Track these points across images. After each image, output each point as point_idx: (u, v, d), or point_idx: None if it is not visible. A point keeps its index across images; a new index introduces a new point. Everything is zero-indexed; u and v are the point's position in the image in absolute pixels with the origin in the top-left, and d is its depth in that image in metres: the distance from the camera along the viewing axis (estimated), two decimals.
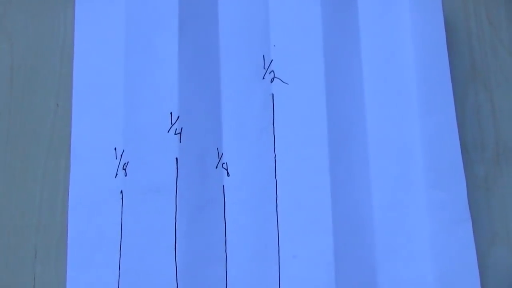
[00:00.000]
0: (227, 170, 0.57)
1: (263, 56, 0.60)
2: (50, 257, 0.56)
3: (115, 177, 0.56)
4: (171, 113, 0.56)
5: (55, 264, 0.56)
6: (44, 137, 0.58)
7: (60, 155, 0.58)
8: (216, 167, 0.57)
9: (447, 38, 0.60)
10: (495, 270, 0.58)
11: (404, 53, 0.62)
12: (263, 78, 0.60)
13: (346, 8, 0.63)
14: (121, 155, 0.56)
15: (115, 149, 0.57)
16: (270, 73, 0.60)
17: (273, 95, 0.59)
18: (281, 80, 0.59)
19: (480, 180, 0.61)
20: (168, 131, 0.56)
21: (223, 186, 0.57)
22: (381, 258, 0.57)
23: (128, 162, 0.56)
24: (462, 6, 0.65)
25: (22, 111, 0.59)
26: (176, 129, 0.56)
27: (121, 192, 0.56)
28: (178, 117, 0.56)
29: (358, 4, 0.63)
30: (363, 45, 0.62)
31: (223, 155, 0.58)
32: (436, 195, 0.58)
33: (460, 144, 0.58)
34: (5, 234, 0.56)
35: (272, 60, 0.60)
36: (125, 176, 0.56)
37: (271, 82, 0.60)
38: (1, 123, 0.58)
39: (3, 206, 0.57)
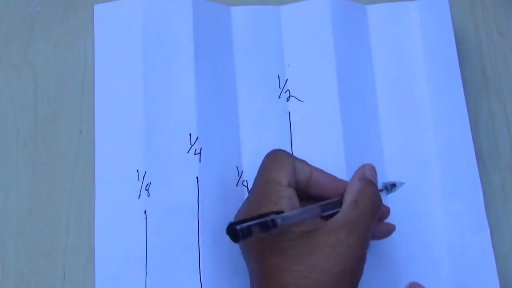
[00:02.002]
0: (247, 187, 0.59)
1: (278, 76, 0.62)
2: (78, 277, 0.57)
3: (139, 198, 0.57)
4: (190, 134, 0.57)
5: (83, 284, 0.57)
6: (69, 163, 0.60)
7: (85, 179, 0.59)
8: (237, 185, 0.58)
9: (458, 50, 0.61)
10: None
11: (415, 67, 0.63)
12: (279, 97, 0.61)
13: (357, 26, 0.64)
14: (144, 177, 0.58)
15: (138, 171, 0.58)
16: (285, 92, 0.61)
17: (289, 113, 0.60)
18: (297, 98, 0.61)
19: (496, 188, 0.61)
20: (188, 152, 0.57)
21: None
22: (401, 268, 0.57)
23: (150, 183, 0.57)
24: (472, 18, 0.66)
25: (47, 139, 0.60)
26: (195, 149, 0.57)
27: (145, 212, 0.57)
28: (197, 137, 0.57)
29: (369, 22, 0.65)
30: (375, 61, 0.63)
31: (243, 172, 0.59)
32: (453, 204, 0.59)
33: (476, 153, 0.58)
34: (35, 256, 0.57)
35: (287, 80, 0.61)
36: (148, 196, 0.57)
37: (287, 100, 0.61)
38: (27, 151, 0.60)
39: (31, 230, 0.58)
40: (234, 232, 0.41)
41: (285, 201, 0.47)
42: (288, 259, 0.46)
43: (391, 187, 0.54)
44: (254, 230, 0.42)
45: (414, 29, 0.64)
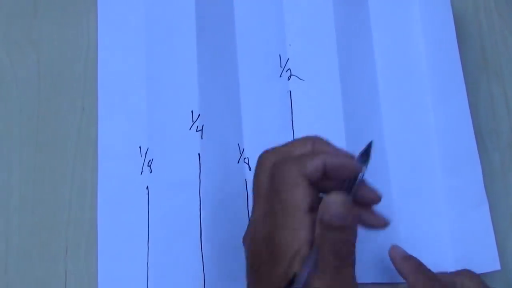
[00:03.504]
0: (248, 164, 0.59)
1: (280, 55, 0.62)
2: (80, 252, 0.58)
3: (141, 174, 0.58)
4: (192, 111, 0.58)
5: (85, 259, 0.57)
6: (71, 139, 0.60)
7: (87, 155, 0.60)
8: (238, 162, 0.59)
9: (457, 31, 0.61)
10: None
11: (415, 46, 0.64)
12: (280, 76, 0.62)
13: (358, 6, 0.64)
14: (146, 153, 0.58)
15: (140, 147, 0.59)
16: (287, 71, 0.62)
17: (290, 92, 0.61)
18: (298, 77, 0.61)
19: (496, 166, 0.62)
20: (190, 129, 0.57)
21: (245, 180, 0.59)
22: (402, 244, 0.57)
23: (152, 159, 0.58)
24: None
25: (50, 115, 0.61)
26: (197, 126, 0.57)
27: (147, 188, 0.57)
28: (199, 115, 0.57)
29: (369, 1, 0.65)
30: (375, 40, 0.64)
31: (244, 150, 0.59)
32: (452, 181, 0.59)
33: (475, 132, 0.59)
34: (37, 231, 0.58)
35: (288, 59, 0.62)
36: (150, 172, 0.58)
37: (288, 79, 0.61)
38: (30, 127, 0.61)
39: (34, 205, 0.59)
40: None
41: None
42: None
43: (366, 156, 0.46)
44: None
45: (413, 9, 0.65)
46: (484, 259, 0.57)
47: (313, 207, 0.42)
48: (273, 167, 0.44)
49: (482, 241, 0.57)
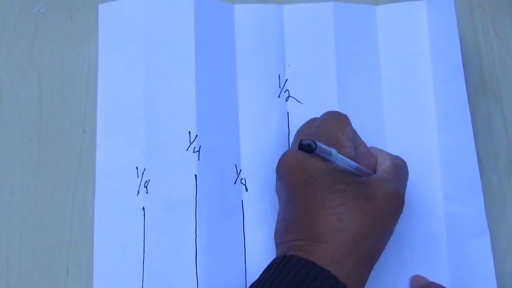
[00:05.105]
0: (245, 185, 0.59)
1: (279, 75, 0.63)
2: (81, 274, 0.58)
3: (137, 194, 0.58)
4: (189, 132, 0.58)
5: (86, 281, 0.58)
6: (72, 160, 0.61)
7: (88, 177, 0.60)
8: (235, 183, 0.59)
9: None
10: None
11: (422, 68, 0.63)
12: (279, 97, 0.62)
13: (363, 28, 0.65)
14: (143, 174, 0.58)
15: (137, 168, 0.59)
16: (285, 92, 0.62)
17: (288, 113, 0.61)
18: (296, 100, 0.61)
19: (494, 188, 0.61)
20: (187, 150, 0.58)
21: (242, 201, 0.59)
22: (402, 269, 0.58)
23: (149, 180, 0.58)
24: (470, 20, 0.67)
25: (51, 138, 0.61)
26: (194, 147, 0.58)
27: (143, 208, 0.58)
28: (197, 135, 0.58)
29: (377, 22, 0.65)
30: (382, 61, 0.64)
31: (241, 171, 0.60)
32: (454, 206, 0.59)
33: None
34: (39, 253, 0.58)
35: (287, 80, 0.62)
36: (147, 193, 0.58)
37: (286, 100, 0.62)
38: (32, 149, 0.61)
39: (35, 227, 0.59)
40: (308, 146, 0.41)
41: (347, 150, 0.51)
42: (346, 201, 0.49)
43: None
44: (318, 151, 0.41)
45: (422, 29, 0.65)
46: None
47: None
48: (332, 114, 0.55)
49: (480, 270, 0.57)
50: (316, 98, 0.62)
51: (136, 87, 0.61)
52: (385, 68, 0.64)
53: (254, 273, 0.56)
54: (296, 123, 0.60)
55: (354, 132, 0.55)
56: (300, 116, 0.61)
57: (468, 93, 0.60)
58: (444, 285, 0.56)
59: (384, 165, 0.54)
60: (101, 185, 0.59)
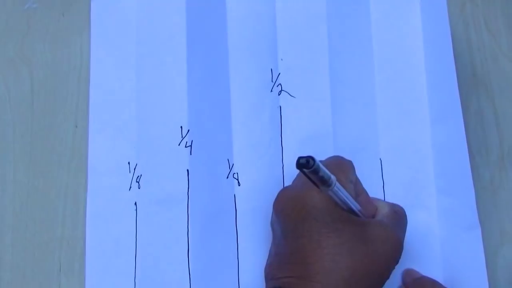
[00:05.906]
0: (238, 180, 0.59)
1: (271, 69, 0.62)
2: (74, 269, 0.58)
3: (129, 189, 0.58)
4: (181, 127, 0.58)
5: (78, 276, 0.58)
6: (64, 156, 0.61)
7: (80, 172, 0.60)
8: (227, 177, 0.59)
9: None
10: (504, 271, 0.59)
11: (415, 62, 0.63)
12: (271, 91, 0.62)
13: (356, 20, 0.64)
14: (135, 169, 0.58)
15: (129, 163, 0.59)
16: (277, 86, 0.62)
17: (280, 107, 0.61)
18: (288, 94, 0.61)
19: (486, 183, 0.62)
20: (179, 144, 0.58)
21: (234, 195, 0.59)
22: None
23: (141, 175, 0.58)
24: (461, 16, 0.67)
25: (43, 132, 0.62)
26: (186, 142, 0.58)
27: (135, 203, 0.58)
28: (188, 130, 0.58)
29: (371, 15, 0.65)
30: (376, 55, 0.64)
31: (233, 165, 0.60)
32: (445, 201, 0.59)
33: None
34: (31, 249, 0.58)
35: (279, 74, 0.62)
36: (139, 188, 0.58)
37: (279, 94, 0.61)
38: (24, 144, 0.61)
39: (28, 222, 0.59)
40: (306, 161, 0.41)
41: (348, 190, 0.49)
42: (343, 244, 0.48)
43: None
44: (316, 167, 0.41)
45: (416, 23, 0.64)
46: (473, 283, 0.57)
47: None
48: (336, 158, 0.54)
49: (472, 265, 0.57)
50: (309, 92, 0.61)
51: (128, 83, 0.61)
52: (378, 61, 0.64)
53: (247, 267, 0.57)
54: (289, 117, 0.60)
55: (357, 179, 0.54)
56: (292, 110, 0.61)
57: (460, 88, 0.60)
58: (436, 279, 0.56)
59: (383, 211, 0.54)
60: (93, 180, 0.59)
